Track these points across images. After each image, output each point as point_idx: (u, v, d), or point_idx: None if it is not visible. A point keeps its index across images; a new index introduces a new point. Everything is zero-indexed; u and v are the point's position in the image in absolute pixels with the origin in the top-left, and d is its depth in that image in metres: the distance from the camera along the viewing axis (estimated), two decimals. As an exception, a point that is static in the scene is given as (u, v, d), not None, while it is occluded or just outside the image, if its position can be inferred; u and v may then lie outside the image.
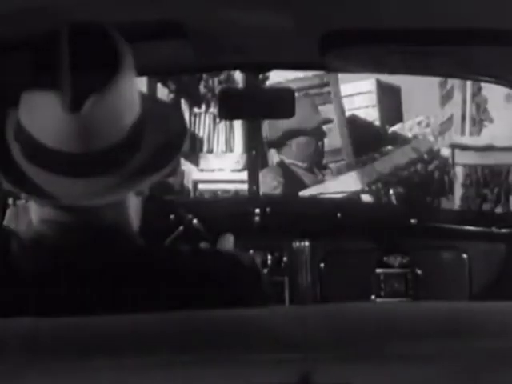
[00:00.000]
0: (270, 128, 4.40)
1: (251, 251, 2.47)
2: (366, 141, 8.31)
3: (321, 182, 4.48)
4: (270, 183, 4.02)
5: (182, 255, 1.26)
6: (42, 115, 1.13)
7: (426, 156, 7.19)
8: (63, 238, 1.18)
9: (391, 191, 6.68)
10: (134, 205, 1.24)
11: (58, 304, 1.12)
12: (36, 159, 1.16)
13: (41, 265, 1.17)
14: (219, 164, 8.56)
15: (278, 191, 4.06)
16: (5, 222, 1.41)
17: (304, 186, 4.26)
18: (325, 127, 4.55)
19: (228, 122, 8.69)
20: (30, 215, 1.20)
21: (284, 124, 4.06)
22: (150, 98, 1.28)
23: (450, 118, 8.36)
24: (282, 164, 4.34)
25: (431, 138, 8.58)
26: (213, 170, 8.54)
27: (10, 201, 1.57)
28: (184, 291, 1.17)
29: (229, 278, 1.24)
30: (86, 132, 1.12)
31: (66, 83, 1.12)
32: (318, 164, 4.46)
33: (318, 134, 4.36)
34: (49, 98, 1.12)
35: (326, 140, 4.56)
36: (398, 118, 9.33)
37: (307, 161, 4.30)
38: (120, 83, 1.15)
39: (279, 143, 4.36)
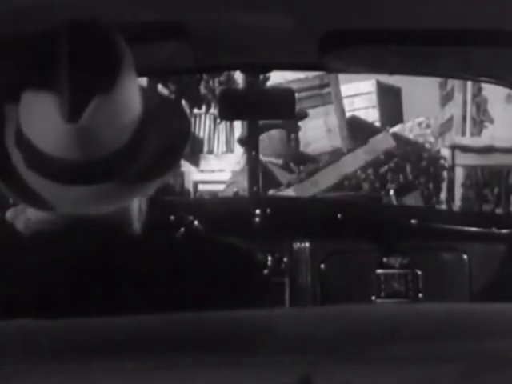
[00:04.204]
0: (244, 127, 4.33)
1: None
2: (366, 141, 8.32)
3: (301, 180, 4.39)
4: (242, 183, 3.93)
5: (180, 245, 1.26)
6: (41, 122, 1.11)
7: (382, 157, 6.87)
8: (61, 236, 1.17)
9: (391, 192, 6.67)
10: (136, 204, 1.22)
11: (56, 302, 1.12)
12: (36, 166, 1.13)
13: (39, 263, 1.17)
14: (219, 165, 8.57)
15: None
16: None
17: (279, 186, 4.18)
18: (325, 128, 4.55)
19: (228, 123, 8.69)
20: (28, 214, 1.19)
21: None
22: (151, 96, 1.24)
23: (451, 119, 8.37)
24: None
25: (431, 139, 8.58)
26: (213, 171, 8.55)
27: (11, 200, 1.57)
28: (183, 282, 1.17)
29: (226, 267, 1.23)
30: (86, 140, 1.09)
31: (63, 90, 1.09)
32: (294, 159, 4.37)
33: (291, 126, 4.28)
34: (47, 105, 1.10)
35: (326, 140, 4.55)
36: (399, 118, 9.34)
37: (282, 157, 4.22)
38: (120, 87, 1.12)
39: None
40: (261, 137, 4.15)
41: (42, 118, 1.11)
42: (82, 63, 1.12)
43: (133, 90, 1.15)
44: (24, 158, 1.14)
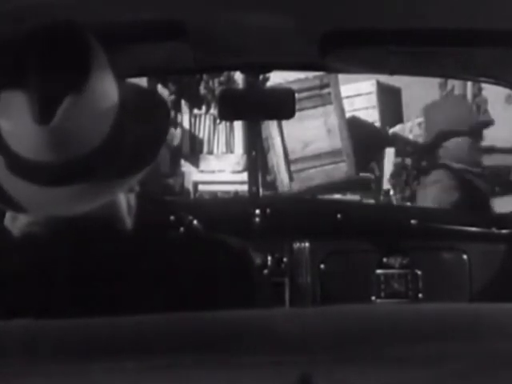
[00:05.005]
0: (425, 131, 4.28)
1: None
2: (366, 142, 8.32)
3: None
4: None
5: (172, 242, 1.26)
6: (16, 124, 1.09)
7: None
8: (52, 236, 1.16)
9: (391, 192, 6.67)
10: (123, 201, 1.21)
11: (50, 303, 1.12)
12: (15, 169, 1.11)
13: (31, 263, 1.16)
14: (219, 165, 8.56)
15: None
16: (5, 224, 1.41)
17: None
18: (325, 128, 4.53)
19: (228, 123, 8.69)
20: (20, 217, 1.19)
21: (439, 125, 3.93)
22: (128, 90, 1.20)
23: (451, 119, 8.36)
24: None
25: (431, 139, 8.58)
26: (213, 171, 8.55)
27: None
28: (174, 280, 1.17)
29: (218, 264, 1.23)
30: (59, 141, 1.08)
31: (35, 92, 1.07)
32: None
33: (476, 134, 4.22)
34: (20, 107, 1.08)
35: (326, 141, 4.54)
36: (399, 119, 9.33)
37: (468, 165, 4.15)
38: (93, 85, 1.10)
39: (434, 145, 4.23)
40: (446, 143, 4.07)
41: (16, 121, 1.09)
42: (52, 63, 1.10)
43: (107, 86, 1.13)
44: (4, 160, 1.13)
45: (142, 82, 7.94)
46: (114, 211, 1.19)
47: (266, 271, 2.47)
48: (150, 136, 1.19)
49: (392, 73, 2.38)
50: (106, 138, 1.12)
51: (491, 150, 7.24)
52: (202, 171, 8.63)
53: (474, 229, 2.61)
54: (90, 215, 1.15)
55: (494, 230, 2.58)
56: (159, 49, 1.83)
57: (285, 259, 2.49)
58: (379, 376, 0.77)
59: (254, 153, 2.83)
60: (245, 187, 3.12)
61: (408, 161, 8.14)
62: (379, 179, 8.32)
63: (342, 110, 8.19)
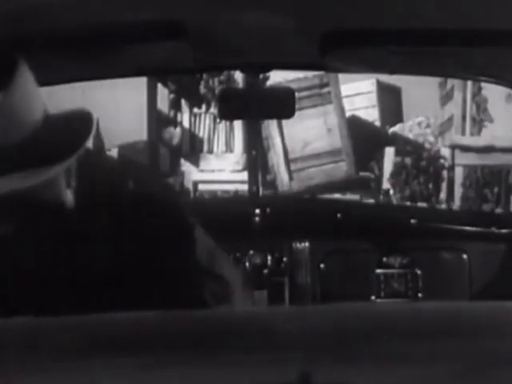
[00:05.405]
0: None
1: (251, 252, 2.47)
2: (366, 141, 8.32)
3: None
4: None
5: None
6: None
7: None
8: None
9: (391, 191, 6.67)
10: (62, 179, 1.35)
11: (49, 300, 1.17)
12: None
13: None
14: (219, 164, 8.56)
15: None
16: None
17: None
18: (325, 127, 4.53)
19: (228, 123, 8.69)
20: None
21: None
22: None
23: (451, 119, 8.36)
24: None
25: (431, 139, 8.58)
26: (213, 171, 8.55)
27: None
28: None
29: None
30: None
31: None
32: None
33: None
34: None
35: (326, 140, 4.54)
36: (398, 118, 9.33)
37: None
38: (15, 91, 1.26)
39: None
40: None
41: None
42: None
43: (28, 95, 1.30)
44: None
45: (142, 82, 7.95)
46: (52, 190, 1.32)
47: (265, 271, 2.47)
48: (75, 124, 1.35)
49: (392, 72, 2.38)
50: (33, 128, 1.29)
51: (490, 150, 7.24)
52: (201, 170, 8.63)
53: (473, 228, 2.61)
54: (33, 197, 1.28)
55: (494, 229, 2.58)
56: (159, 49, 1.83)
57: (284, 259, 2.49)
58: (379, 374, 0.78)
59: (253, 152, 2.83)
60: (245, 186, 3.13)
61: (408, 160, 8.14)
62: (379, 178, 8.32)
63: (341, 110, 8.19)
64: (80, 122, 1.37)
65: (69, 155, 1.32)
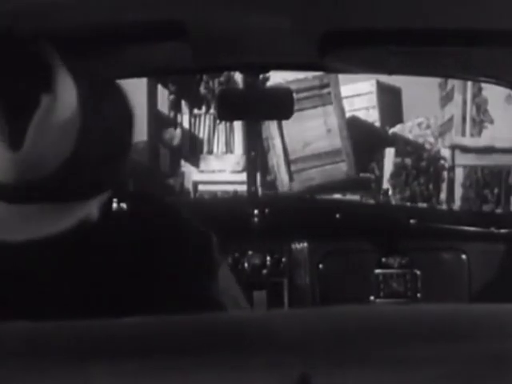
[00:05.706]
0: None
1: (250, 252, 2.47)
2: (366, 142, 8.33)
3: None
4: None
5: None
6: None
7: None
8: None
9: (391, 192, 6.67)
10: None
11: (49, 304, 1.14)
12: None
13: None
14: (219, 165, 8.57)
15: None
16: None
17: None
18: (325, 128, 4.54)
19: (228, 123, 8.70)
20: None
21: None
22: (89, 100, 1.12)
23: (451, 119, 8.37)
24: None
25: (431, 139, 8.60)
26: (213, 171, 8.56)
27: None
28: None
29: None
30: (31, 163, 1.02)
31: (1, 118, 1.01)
32: None
33: None
34: None
35: (326, 141, 4.55)
36: (398, 119, 9.35)
37: None
38: (56, 101, 1.03)
39: None
40: None
41: None
42: (11, 83, 1.04)
43: (70, 98, 1.06)
44: None
45: (142, 82, 7.95)
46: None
47: (264, 271, 2.47)
48: (111, 154, 1.13)
49: (392, 73, 2.38)
50: (69, 156, 1.05)
51: (491, 150, 7.25)
52: (201, 171, 8.64)
53: (473, 229, 2.61)
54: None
55: (494, 229, 2.58)
56: (159, 49, 1.83)
57: (284, 259, 2.49)
58: (378, 377, 0.77)
59: (252, 153, 2.83)
60: (245, 187, 3.13)
61: (408, 161, 8.15)
62: (379, 179, 8.33)
63: (341, 110, 8.20)
64: (120, 131, 1.17)
65: (111, 183, 1.12)
